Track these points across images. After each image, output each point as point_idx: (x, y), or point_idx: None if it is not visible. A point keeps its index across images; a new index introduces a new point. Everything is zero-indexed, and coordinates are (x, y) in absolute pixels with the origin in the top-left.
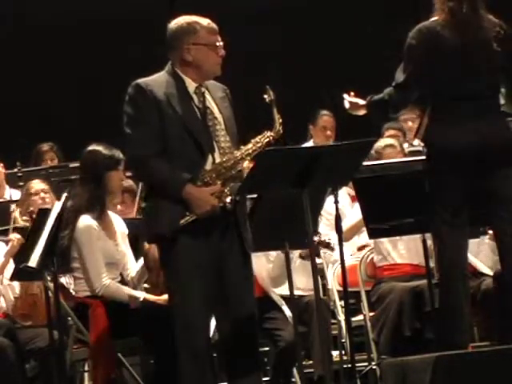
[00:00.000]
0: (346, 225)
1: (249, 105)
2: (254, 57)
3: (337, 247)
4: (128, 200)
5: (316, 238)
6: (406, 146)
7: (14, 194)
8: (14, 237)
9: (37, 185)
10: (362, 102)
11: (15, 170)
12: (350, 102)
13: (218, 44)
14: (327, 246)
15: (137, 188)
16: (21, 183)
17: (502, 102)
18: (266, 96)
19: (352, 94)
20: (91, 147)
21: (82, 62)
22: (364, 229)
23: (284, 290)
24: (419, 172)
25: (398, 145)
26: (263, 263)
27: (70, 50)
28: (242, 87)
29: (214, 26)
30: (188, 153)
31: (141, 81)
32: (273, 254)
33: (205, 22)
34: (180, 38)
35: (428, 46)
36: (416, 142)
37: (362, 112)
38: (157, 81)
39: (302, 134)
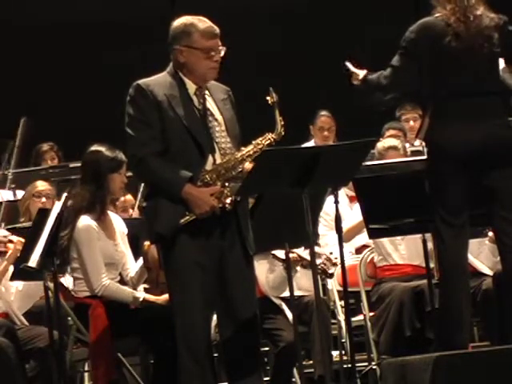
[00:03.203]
0: (345, 226)
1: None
2: (252, 57)
3: (336, 247)
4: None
5: (319, 261)
6: (407, 145)
7: (5, 195)
8: (17, 239)
9: (41, 187)
10: (362, 74)
11: (6, 172)
12: (353, 72)
13: (213, 48)
14: (325, 273)
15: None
16: (12, 185)
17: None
18: (268, 98)
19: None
20: (94, 147)
21: (83, 62)
22: (363, 229)
23: (284, 294)
24: (419, 172)
25: (401, 147)
26: (264, 271)
27: (72, 49)
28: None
29: (213, 29)
30: (188, 153)
31: (141, 81)
32: (278, 264)
33: (203, 25)
34: (176, 38)
35: (429, 42)
36: (417, 142)
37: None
38: (158, 81)
39: (303, 134)
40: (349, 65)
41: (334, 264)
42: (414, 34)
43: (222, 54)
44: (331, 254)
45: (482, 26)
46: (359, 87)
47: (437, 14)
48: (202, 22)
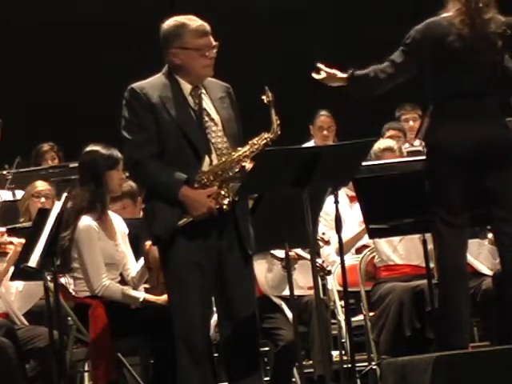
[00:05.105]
0: (345, 236)
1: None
2: (252, 57)
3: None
4: (130, 204)
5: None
6: (406, 145)
7: (4, 195)
8: (17, 241)
9: (40, 187)
10: (340, 74)
11: (4, 172)
12: (327, 73)
13: (206, 46)
14: (323, 270)
15: (138, 190)
16: (11, 186)
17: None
18: (264, 97)
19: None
20: (89, 148)
21: (83, 62)
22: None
23: (284, 292)
24: (419, 172)
25: (396, 148)
26: (263, 271)
27: (72, 49)
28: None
29: (204, 27)
30: (184, 155)
31: (135, 85)
32: (277, 263)
33: (193, 24)
34: (168, 41)
35: (433, 42)
36: (417, 142)
37: (337, 83)
38: (152, 84)
39: (303, 134)
40: (321, 66)
41: (327, 242)
42: (418, 33)
43: (215, 50)
44: (324, 234)
45: (488, 32)
46: (348, 85)
47: (444, 14)
48: (192, 21)
